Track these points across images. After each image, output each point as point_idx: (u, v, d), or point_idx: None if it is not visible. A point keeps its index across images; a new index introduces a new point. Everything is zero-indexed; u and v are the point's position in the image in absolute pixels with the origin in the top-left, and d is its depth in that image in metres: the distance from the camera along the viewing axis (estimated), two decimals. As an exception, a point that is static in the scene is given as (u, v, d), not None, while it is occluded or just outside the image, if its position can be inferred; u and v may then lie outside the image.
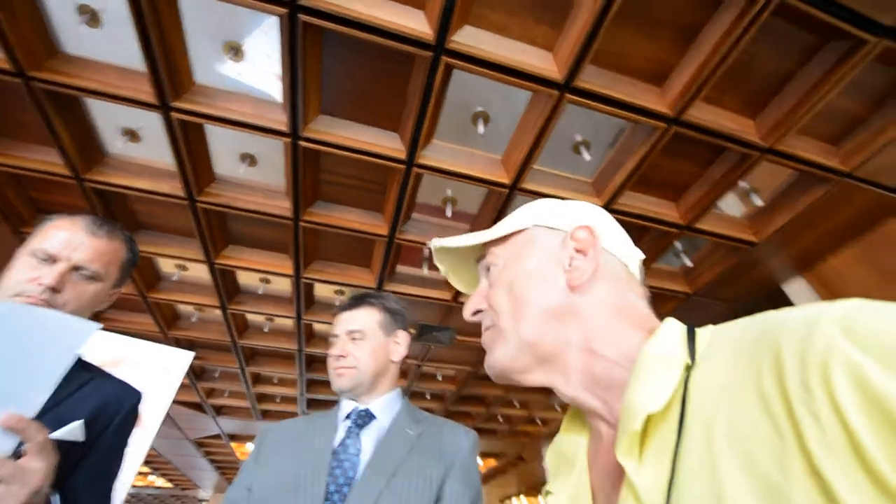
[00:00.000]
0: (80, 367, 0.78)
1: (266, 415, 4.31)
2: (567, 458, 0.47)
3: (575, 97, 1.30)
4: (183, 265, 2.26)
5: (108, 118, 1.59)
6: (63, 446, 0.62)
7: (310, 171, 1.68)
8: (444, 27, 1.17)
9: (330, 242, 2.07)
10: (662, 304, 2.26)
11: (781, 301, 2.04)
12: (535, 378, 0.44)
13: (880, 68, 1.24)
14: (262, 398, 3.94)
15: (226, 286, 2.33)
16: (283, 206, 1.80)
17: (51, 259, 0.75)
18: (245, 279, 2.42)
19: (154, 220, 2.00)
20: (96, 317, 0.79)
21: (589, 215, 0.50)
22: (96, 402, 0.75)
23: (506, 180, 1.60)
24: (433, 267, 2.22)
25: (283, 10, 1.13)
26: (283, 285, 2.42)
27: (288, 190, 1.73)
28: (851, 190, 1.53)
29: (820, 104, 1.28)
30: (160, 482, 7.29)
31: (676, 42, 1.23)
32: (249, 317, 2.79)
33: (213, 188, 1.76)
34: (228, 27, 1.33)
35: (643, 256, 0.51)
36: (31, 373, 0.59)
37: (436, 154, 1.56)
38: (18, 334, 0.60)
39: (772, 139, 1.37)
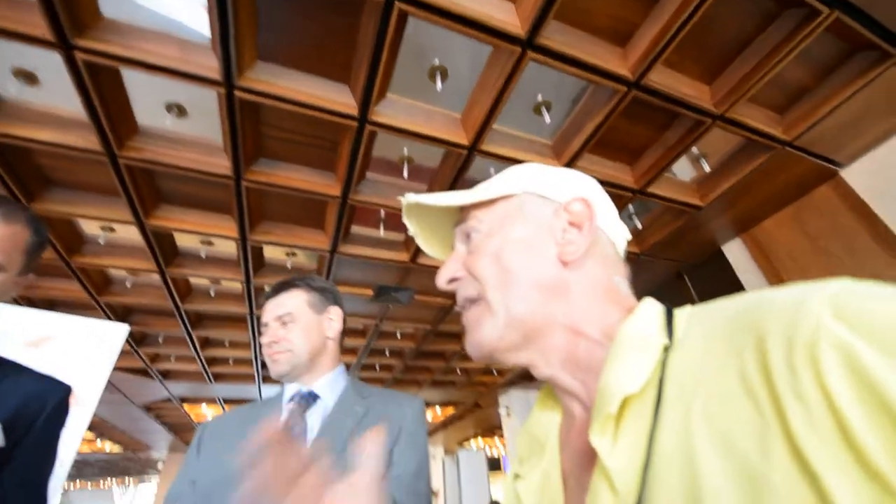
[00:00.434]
0: None
1: (219, 378, 4.22)
2: (539, 440, 0.45)
3: (538, 55, 1.23)
4: (109, 227, 2.04)
5: (-7, 54, 1.32)
6: None
7: (250, 126, 1.51)
8: (399, -34, 1.04)
9: (278, 202, 1.93)
10: (612, 263, 2.36)
11: (720, 261, 2.19)
12: (519, 357, 0.42)
13: (830, 39, 1.26)
14: (213, 361, 3.83)
15: (162, 249, 2.14)
16: (222, 164, 1.63)
17: None
18: (185, 241, 2.23)
19: (68, 175, 1.76)
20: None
21: (584, 187, 0.48)
22: (17, 401, 0.69)
23: (465, 141, 1.53)
24: (390, 228, 2.16)
25: (204, -69, 0.95)
26: (228, 247, 2.26)
27: (226, 146, 1.56)
28: (789, 158, 1.62)
29: (773, 72, 1.29)
30: (108, 447, 7.08)
31: (641, 1, 1.18)
32: (193, 280, 2.62)
33: (136, 142, 1.55)
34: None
35: (629, 236, 0.50)
36: None
37: (391, 110, 1.45)
38: None
39: (724, 106, 1.39)
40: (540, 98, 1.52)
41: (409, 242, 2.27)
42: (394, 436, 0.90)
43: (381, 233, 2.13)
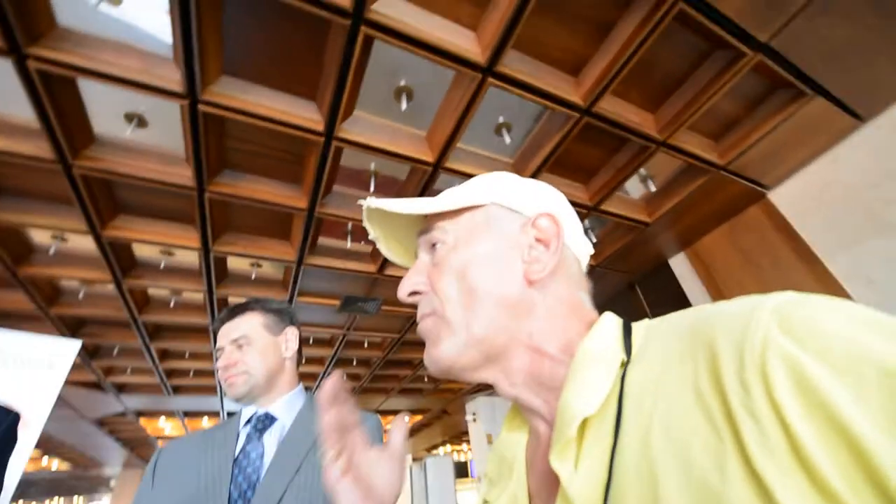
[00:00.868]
0: None
1: (179, 390, 4.06)
2: (507, 461, 0.44)
3: (497, 81, 1.31)
4: (61, 236, 1.96)
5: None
6: None
7: (214, 138, 1.51)
8: (363, -6, 1.08)
9: (243, 214, 1.92)
10: (572, 274, 2.48)
11: (667, 273, 2.35)
12: (480, 376, 0.41)
13: (755, 77, 1.41)
14: (172, 373, 3.68)
15: (119, 259, 2.07)
16: (184, 175, 1.61)
17: None
18: (143, 251, 2.17)
19: (18, 182, 1.68)
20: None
21: (552, 201, 0.46)
22: None
23: (430, 158, 1.59)
24: (357, 240, 2.18)
25: (169, -48, 0.97)
26: (189, 257, 2.21)
27: (188, 157, 1.55)
28: (724, 181, 1.77)
29: (707, 105, 1.43)
30: (55, 465, 6.61)
31: (592, 36, 1.28)
32: (151, 291, 2.54)
33: (92, 151, 1.52)
34: (99, -40, 1.11)
35: (592, 251, 0.49)
36: None
37: (357, 128, 1.49)
38: None
39: (666, 133, 1.52)
40: (501, 119, 1.60)
41: (375, 254, 2.30)
42: None
43: (349, 244, 2.15)
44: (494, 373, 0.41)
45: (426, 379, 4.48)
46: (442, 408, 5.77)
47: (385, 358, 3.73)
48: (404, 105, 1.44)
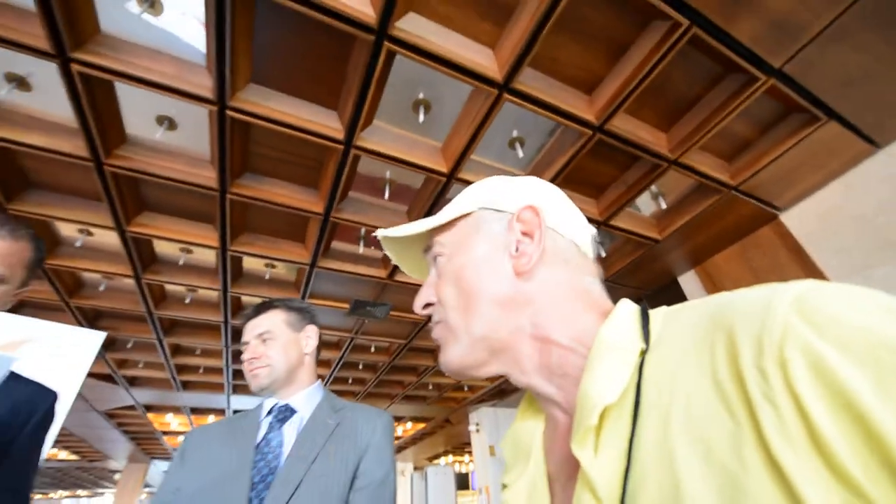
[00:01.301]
0: None
1: (188, 386, 4.13)
2: (524, 447, 0.45)
3: (513, 97, 1.35)
4: (88, 230, 2.05)
5: (-13, 58, 1.35)
6: None
7: (238, 142, 1.58)
8: (388, 11, 1.14)
9: (261, 215, 1.99)
10: (580, 287, 2.49)
11: (676, 290, 2.35)
12: (491, 370, 0.43)
13: (768, 101, 1.43)
14: (182, 369, 3.75)
15: (140, 255, 2.15)
16: (208, 176, 1.68)
17: None
18: (163, 248, 2.24)
19: (50, 179, 1.77)
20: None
21: (534, 193, 0.47)
22: (8, 406, 0.72)
23: (444, 169, 1.64)
24: (369, 245, 2.23)
25: (210, -31, 1.04)
26: (207, 255, 2.28)
27: (213, 159, 1.62)
28: (736, 201, 1.78)
29: (719, 126, 1.45)
30: (63, 454, 6.73)
31: (607, 56, 1.32)
32: (168, 287, 2.61)
33: (123, 150, 1.60)
34: (143, -27, 1.19)
35: (595, 231, 0.49)
36: None
37: (376, 137, 1.54)
38: None
39: (678, 152, 1.54)
40: (515, 133, 1.64)
41: (387, 259, 2.34)
42: (362, 449, 0.96)
43: (361, 249, 2.19)
44: (504, 365, 0.42)
45: (430, 386, 4.49)
46: (445, 417, 5.75)
47: (391, 363, 3.75)
48: (422, 117, 1.49)
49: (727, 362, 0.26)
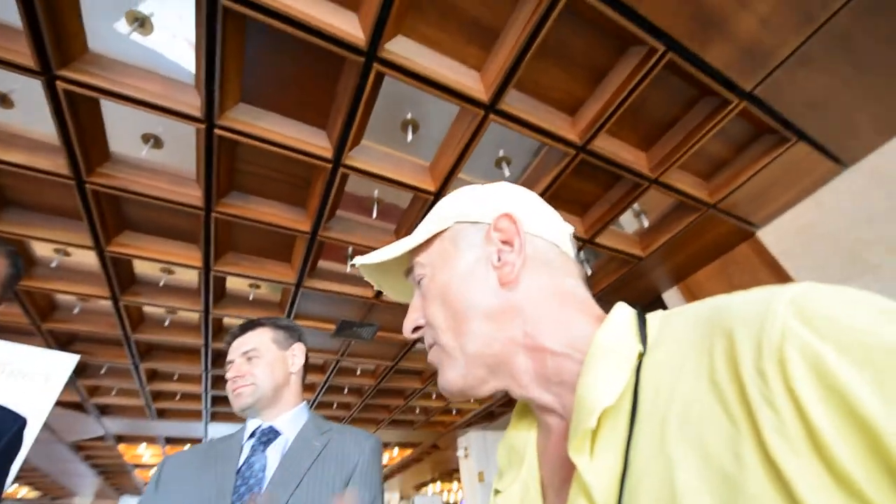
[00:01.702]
0: None
1: (163, 414, 3.95)
2: (517, 453, 0.45)
3: (498, 118, 1.39)
4: (64, 250, 1.99)
5: (-33, 75, 1.34)
6: None
7: (225, 160, 1.57)
8: (378, 34, 1.17)
9: (245, 235, 1.96)
10: (567, 305, 2.51)
11: (661, 307, 2.38)
12: (491, 387, 0.42)
13: (741, 122, 1.50)
14: (158, 396, 3.60)
15: (119, 275, 2.09)
16: (193, 195, 1.66)
17: None
18: (143, 268, 2.19)
19: (28, 197, 1.73)
20: None
21: (507, 200, 0.47)
22: None
23: (432, 188, 1.65)
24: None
25: (201, -8, 1.05)
26: (188, 276, 2.23)
27: (199, 177, 1.60)
28: (714, 218, 1.84)
29: (696, 146, 1.51)
30: (24, 492, 6.28)
31: (588, 79, 1.37)
32: (147, 308, 2.53)
33: (106, 168, 1.57)
34: (134, -5, 1.20)
35: (572, 229, 0.49)
36: None
37: (364, 156, 1.56)
38: None
39: (658, 171, 1.60)
40: (501, 153, 1.68)
41: (374, 278, 2.32)
42: (349, 472, 0.92)
43: (348, 269, 2.18)
44: (503, 381, 0.42)
45: (417, 410, 4.39)
46: (432, 442, 5.61)
47: (377, 386, 3.67)
48: (410, 136, 1.52)
49: (725, 364, 0.26)
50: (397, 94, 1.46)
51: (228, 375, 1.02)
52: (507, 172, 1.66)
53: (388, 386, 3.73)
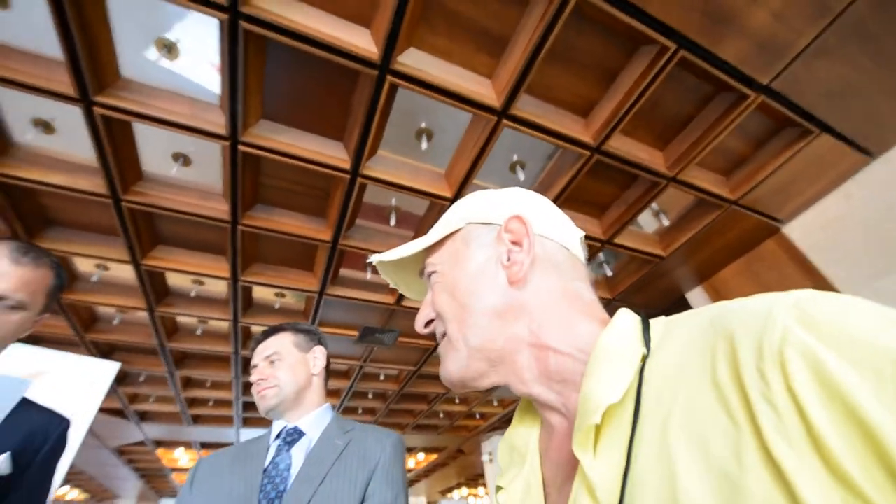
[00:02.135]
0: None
1: (198, 420, 4.10)
2: (519, 451, 0.46)
3: (511, 123, 1.41)
4: (104, 265, 2.11)
5: (15, 105, 1.45)
6: None
7: (249, 175, 1.65)
8: (390, 48, 1.21)
9: (270, 245, 2.04)
10: (588, 307, 2.48)
11: (685, 308, 2.32)
12: (491, 380, 0.43)
13: (760, 117, 1.47)
14: (193, 402, 3.74)
15: (154, 288, 2.20)
16: (220, 209, 1.74)
17: None
18: (176, 280, 2.30)
19: (69, 216, 1.85)
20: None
21: (519, 203, 0.49)
22: (23, 432, 0.74)
23: (448, 194, 1.68)
24: (377, 271, 2.26)
25: (224, 16, 1.12)
26: (218, 287, 2.32)
27: (225, 192, 1.68)
28: (737, 215, 1.80)
29: (714, 143, 1.48)
30: (73, 494, 6.62)
31: (599, 81, 1.37)
32: (180, 319, 2.65)
33: (140, 187, 1.67)
34: (162, 23, 1.28)
35: (583, 234, 0.50)
36: None
37: (381, 165, 1.60)
38: None
39: (676, 169, 1.57)
40: (515, 157, 1.69)
41: (394, 284, 2.36)
42: (371, 469, 0.95)
43: (368, 276, 2.22)
44: (504, 375, 0.43)
45: (441, 414, 4.40)
46: (457, 446, 5.60)
47: (401, 391, 3.71)
48: (424, 145, 1.55)
49: (727, 366, 0.27)
50: (411, 105, 1.49)
51: (253, 379, 1.07)
52: (521, 176, 1.67)
53: (411, 391, 3.76)
